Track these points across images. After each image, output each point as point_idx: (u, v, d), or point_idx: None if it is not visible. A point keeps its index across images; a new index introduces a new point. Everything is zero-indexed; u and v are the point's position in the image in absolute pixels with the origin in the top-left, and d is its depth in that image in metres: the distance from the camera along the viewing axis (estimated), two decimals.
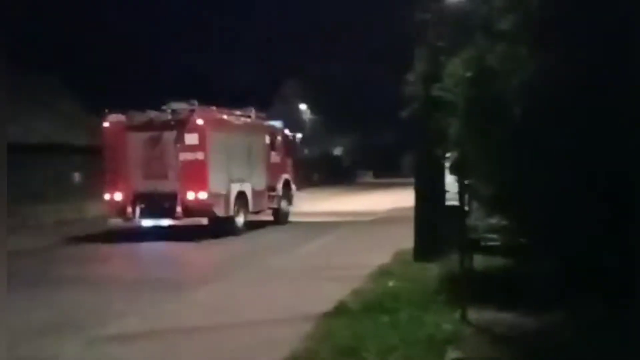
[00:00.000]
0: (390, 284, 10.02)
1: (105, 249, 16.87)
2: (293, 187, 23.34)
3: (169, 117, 17.97)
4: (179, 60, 47.70)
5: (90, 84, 31.63)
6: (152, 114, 18.25)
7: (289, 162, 23.53)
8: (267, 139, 21.62)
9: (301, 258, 14.04)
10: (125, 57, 39.80)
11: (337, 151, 75.15)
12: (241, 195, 19.00)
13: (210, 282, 11.24)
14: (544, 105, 6.13)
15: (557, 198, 6.13)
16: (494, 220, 9.21)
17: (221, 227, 18.00)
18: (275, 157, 22.05)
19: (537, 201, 6.25)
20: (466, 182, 9.27)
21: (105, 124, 18.63)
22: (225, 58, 54.37)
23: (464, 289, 7.49)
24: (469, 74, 6.08)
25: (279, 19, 61.18)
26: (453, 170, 8.29)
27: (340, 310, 8.44)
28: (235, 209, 18.62)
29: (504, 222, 7.86)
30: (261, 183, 20.58)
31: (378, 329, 7.24)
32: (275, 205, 21.75)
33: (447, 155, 11.15)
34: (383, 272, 11.17)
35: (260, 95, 54.04)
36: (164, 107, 18.26)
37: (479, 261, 9.85)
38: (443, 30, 9.24)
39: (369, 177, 69.03)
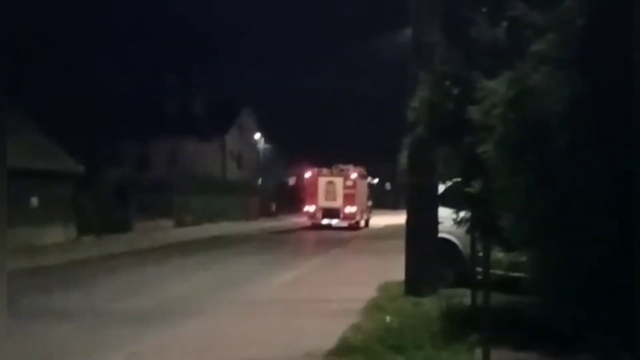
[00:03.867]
0: (388, 319, 9.49)
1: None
2: (369, 208, 41.47)
3: (338, 171, 37.17)
4: (131, 85, 46.67)
5: (51, 113, 30.62)
6: (327, 170, 37.26)
7: (370, 194, 41.89)
8: (365, 182, 40.09)
9: None
10: (81, 85, 38.86)
11: (292, 181, 74.47)
12: (361, 210, 37.38)
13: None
14: (586, 134, 5.72)
15: (595, 239, 5.70)
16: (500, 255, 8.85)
17: (357, 226, 36.30)
18: (366, 191, 40.09)
19: (573, 241, 5.80)
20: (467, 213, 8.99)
21: (307, 174, 37.48)
22: (180, 84, 53.12)
23: (485, 328, 6.96)
24: (509, 95, 5.65)
25: (234, 44, 60.91)
26: (468, 201, 7.83)
27: (345, 347, 7.88)
28: (360, 217, 37.26)
29: (522, 258, 7.41)
30: (364, 205, 38.65)
31: None
32: (366, 217, 39.45)
33: (446, 185, 10.86)
34: (376, 306, 10.65)
35: (217, 122, 53.41)
36: (334, 166, 37.63)
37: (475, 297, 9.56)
38: (451, 54, 8.81)
39: None
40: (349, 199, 35.93)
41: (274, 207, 52.66)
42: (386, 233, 30.60)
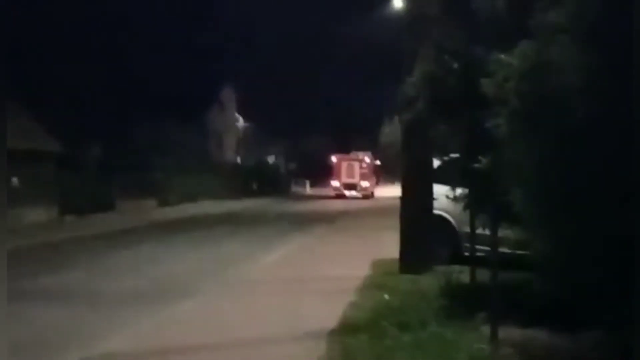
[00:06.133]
0: (386, 297, 9.38)
1: None
2: (375, 183, 54.17)
3: (356, 156, 51.46)
4: (111, 63, 45.92)
5: (29, 92, 30.03)
6: (348, 156, 51.89)
7: (374, 172, 53.70)
8: (372, 163, 52.70)
9: None
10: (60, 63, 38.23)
11: (270, 159, 74.15)
12: (371, 185, 50.54)
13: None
14: (603, 106, 5.57)
15: (610, 214, 5.56)
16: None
17: (368, 197, 48.25)
18: (372, 170, 52.25)
19: (587, 216, 5.66)
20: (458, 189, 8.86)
21: (334, 158, 50.80)
22: (160, 62, 52.40)
23: (494, 305, 6.85)
24: (525, 67, 5.50)
25: (213, 23, 60.13)
26: (471, 177, 7.70)
27: (348, 326, 7.76)
28: (371, 190, 50.02)
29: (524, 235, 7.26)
30: (373, 181, 51.83)
31: (405, 349, 6.57)
32: (372, 191, 50.88)
33: (442, 161, 10.73)
34: (372, 284, 10.55)
35: (197, 101, 52.96)
36: (352, 153, 53.47)
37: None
38: (451, 27, 8.66)
39: (305, 187, 67.74)
40: (363, 176, 49.68)
41: (255, 185, 52.42)
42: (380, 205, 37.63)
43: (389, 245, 13.50)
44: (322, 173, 65.74)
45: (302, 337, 7.50)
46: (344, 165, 50.00)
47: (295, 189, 64.29)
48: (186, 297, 10.30)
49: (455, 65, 8.30)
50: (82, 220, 25.69)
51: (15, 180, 23.04)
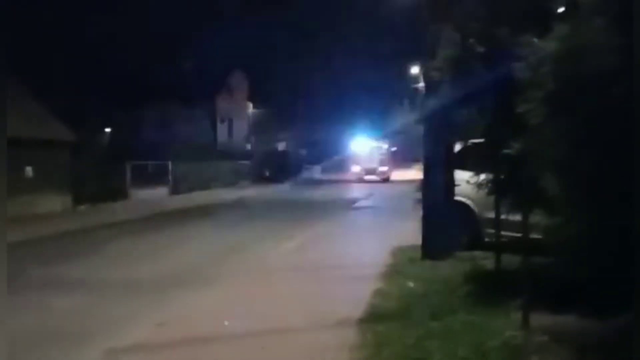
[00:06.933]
0: (411, 284, 9.32)
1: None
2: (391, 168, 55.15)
3: (374, 143, 54.15)
4: (120, 50, 45.74)
5: (42, 80, 30.00)
6: (367, 142, 54.17)
7: (390, 158, 56.11)
8: (390, 150, 56.76)
9: None
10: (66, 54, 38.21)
11: (281, 146, 73.95)
12: (389, 169, 53.10)
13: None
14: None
15: None
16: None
17: (387, 180, 50.19)
18: (388, 156, 55.01)
19: (623, 201, 5.54)
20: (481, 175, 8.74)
21: (354, 145, 55.42)
22: (169, 48, 52.27)
23: (526, 291, 6.77)
24: (562, 51, 5.40)
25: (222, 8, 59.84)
26: (499, 163, 7.62)
27: (377, 314, 7.71)
28: (388, 174, 52.20)
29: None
30: (390, 166, 54.06)
31: (437, 337, 6.51)
32: (389, 175, 52.57)
33: (464, 147, 10.63)
34: (395, 271, 10.49)
35: (206, 86, 52.81)
36: (371, 140, 55.42)
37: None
38: (475, 10, 8.53)
39: (317, 173, 67.54)
40: (382, 162, 53.35)
41: (267, 172, 52.36)
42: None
43: (408, 231, 13.45)
44: (333, 159, 65.65)
45: (331, 325, 7.45)
46: (364, 151, 53.80)
47: (307, 175, 64.11)
48: (209, 284, 10.29)
49: (481, 49, 8.18)
50: (97, 210, 25.70)
51: (29, 169, 23.06)
